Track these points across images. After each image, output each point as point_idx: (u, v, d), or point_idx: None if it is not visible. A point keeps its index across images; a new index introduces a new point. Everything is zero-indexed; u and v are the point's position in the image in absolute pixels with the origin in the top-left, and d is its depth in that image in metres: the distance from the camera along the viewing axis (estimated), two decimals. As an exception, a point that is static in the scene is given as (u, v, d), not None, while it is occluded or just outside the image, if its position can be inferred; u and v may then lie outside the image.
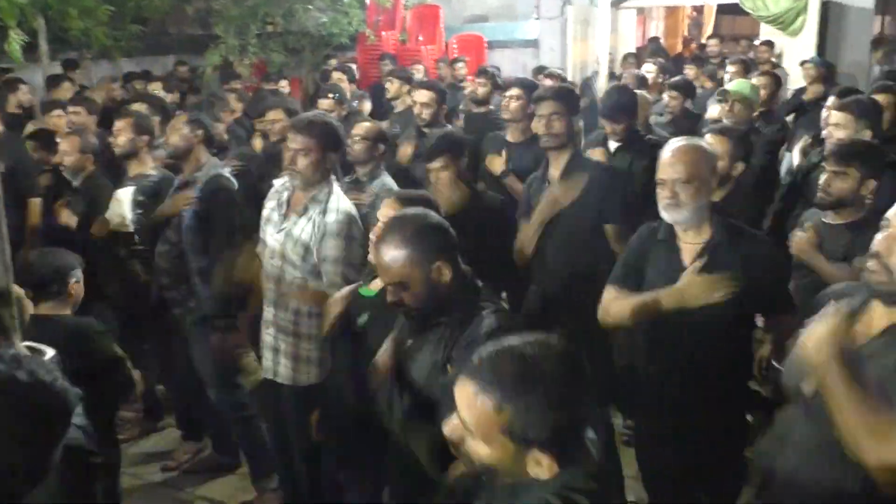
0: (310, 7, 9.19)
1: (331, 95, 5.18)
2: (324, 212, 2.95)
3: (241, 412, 3.66)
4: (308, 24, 9.29)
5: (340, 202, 3.01)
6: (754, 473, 2.07)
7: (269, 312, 3.10)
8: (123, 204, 3.87)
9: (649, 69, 6.70)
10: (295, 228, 2.98)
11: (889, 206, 1.85)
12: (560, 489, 1.38)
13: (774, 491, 1.91)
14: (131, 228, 3.87)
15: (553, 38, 10.32)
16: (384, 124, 4.83)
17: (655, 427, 2.73)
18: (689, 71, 7.73)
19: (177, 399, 4.20)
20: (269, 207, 3.14)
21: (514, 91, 4.33)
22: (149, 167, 3.92)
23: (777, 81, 5.72)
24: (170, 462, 3.98)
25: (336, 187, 3.07)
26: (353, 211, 3.04)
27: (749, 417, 2.65)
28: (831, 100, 4.21)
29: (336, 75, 6.54)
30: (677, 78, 6.23)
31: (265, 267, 3.10)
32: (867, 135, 3.51)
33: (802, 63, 7.17)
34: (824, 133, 3.80)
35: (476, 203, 3.44)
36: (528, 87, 4.41)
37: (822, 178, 3.03)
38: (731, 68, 6.38)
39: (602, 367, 3.15)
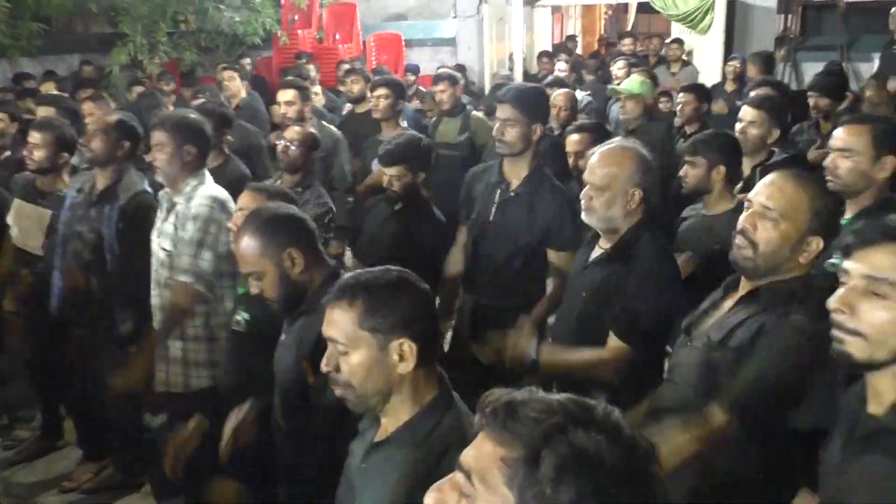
0: (221, 6, 9.00)
1: (199, 95, 5.05)
2: (188, 199, 2.96)
3: (146, 431, 3.53)
4: (221, 22, 9.10)
5: (208, 190, 3.00)
6: None
7: (157, 321, 3.06)
8: (43, 224, 3.64)
9: (562, 67, 6.85)
10: (164, 226, 2.97)
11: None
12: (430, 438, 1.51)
13: None
14: (40, 252, 3.66)
15: (470, 36, 10.34)
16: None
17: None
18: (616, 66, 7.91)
19: (78, 417, 4.02)
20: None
21: (381, 91, 4.46)
22: (64, 183, 3.68)
23: (653, 80, 5.86)
24: (68, 482, 3.78)
25: (209, 180, 3.05)
26: (223, 197, 3.01)
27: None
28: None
29: (227, 74, 6.30)
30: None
31: (153, 275, 3.06)
32: (775, 135, 3.56)
33: (730, 59, 7.33)
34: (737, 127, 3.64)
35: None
36: (394, 85, 4.53)
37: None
38: (619, 63, 6.51)
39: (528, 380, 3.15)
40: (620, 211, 2.37)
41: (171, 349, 2.98)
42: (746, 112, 3.57)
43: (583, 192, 2.44)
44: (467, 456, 0.99)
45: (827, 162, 2.56)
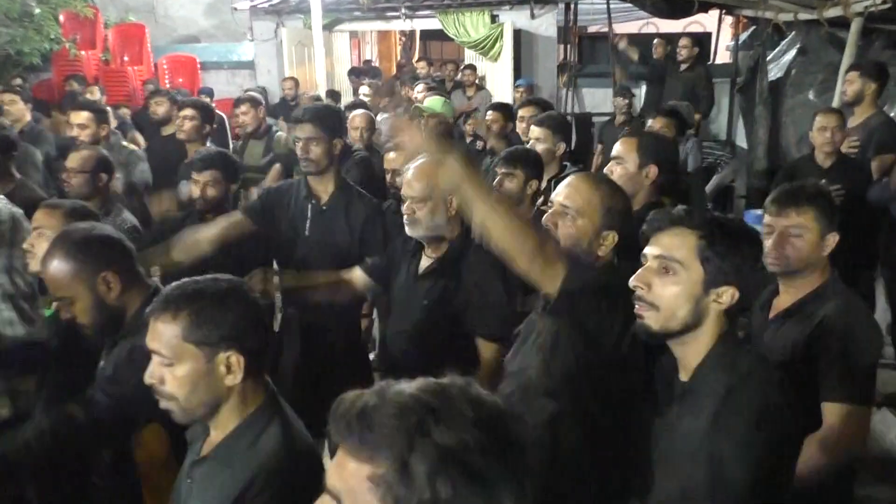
0: (-7, 22, 8.26)
1: None
2: None
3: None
4: (-10, 41, 8.34)
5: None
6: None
7: None
8: None
9: (365, 91, 7.02)
10: None
11: None
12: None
13: None
14: None
15: (269, 59, 10.27)
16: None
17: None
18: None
19: None
20: None
21: (188, 112, 4.42)
22: None
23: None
24: None
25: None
26: (18, 215, 2.87)
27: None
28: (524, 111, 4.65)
29: (7, 97, 5.78)
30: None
31: None
32: (562, 147, 3.90)
33: (517, 84, 7.88)
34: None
35: None
36: (201, 107, 4.48)
37: (495, 180, 3.33)
38: (419, 86, 6.75)
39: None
40: (443, 218, 2.55)
41: None
42: (533, 130, 3.89)
43: (404, 207, 2.58)
44: (332, 478, 0.94)
45: (605, 169, 2.87)
